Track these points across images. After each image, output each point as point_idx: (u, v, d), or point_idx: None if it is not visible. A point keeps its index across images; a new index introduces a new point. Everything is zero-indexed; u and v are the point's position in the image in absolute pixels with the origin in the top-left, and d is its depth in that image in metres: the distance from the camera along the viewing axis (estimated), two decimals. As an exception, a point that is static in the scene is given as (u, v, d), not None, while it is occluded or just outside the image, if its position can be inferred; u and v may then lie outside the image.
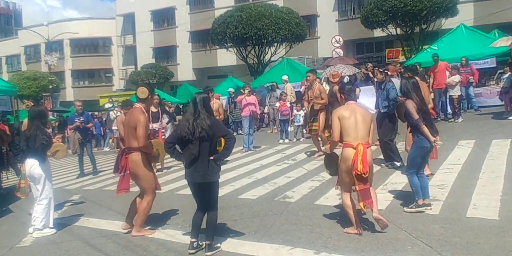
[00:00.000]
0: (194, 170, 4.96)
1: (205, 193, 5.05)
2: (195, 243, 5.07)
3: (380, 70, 9.81)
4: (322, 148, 10.28)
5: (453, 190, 6.47)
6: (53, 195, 6.63)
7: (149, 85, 6.10)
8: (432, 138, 5.59)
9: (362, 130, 5.13)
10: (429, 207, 5.64)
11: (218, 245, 5.12)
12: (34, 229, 6.49)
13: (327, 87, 11.69)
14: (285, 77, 17.84)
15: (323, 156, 8.74)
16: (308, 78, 10.52)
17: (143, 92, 5.79)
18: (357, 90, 10.24)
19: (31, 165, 6.43)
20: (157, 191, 6.12)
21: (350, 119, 5.14)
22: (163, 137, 10.60)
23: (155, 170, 6.52)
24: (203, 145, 4.91)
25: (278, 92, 16.75)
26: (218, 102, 11.96)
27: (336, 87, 11.08)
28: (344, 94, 5.62)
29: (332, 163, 5.49)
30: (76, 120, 11.56)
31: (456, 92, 13.12)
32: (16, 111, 13.58)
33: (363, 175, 4.96)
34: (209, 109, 5.08)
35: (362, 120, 5.17)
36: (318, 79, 10.72)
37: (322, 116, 10.11)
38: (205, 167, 4.91)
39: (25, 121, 6.95)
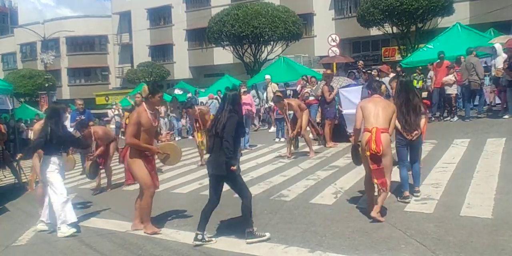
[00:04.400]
0: (209, 162, 5.31)
1: (215, 184, 5.36)
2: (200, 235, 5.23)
3: (364, 70, 9.97)
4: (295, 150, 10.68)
5: (447, 189, 6.50)
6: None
7: (153, 84, 6.03)
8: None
9: (381, 118, 5.57)
10: (407, 200, 6.06)
11: (265, 233, 5.21)
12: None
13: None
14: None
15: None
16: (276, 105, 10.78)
17: (144, 91, 5.85)
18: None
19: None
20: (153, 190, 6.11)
21: (371, 109, 5.62)
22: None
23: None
24: (216, 140, 5.19)
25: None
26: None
27: (326, 88, 11.15)
28: (371, 89, 6.07)
29: (355, 153, 5.97)
30: (77, 118, 11.51)
31: (453, 91, 13.16)
32: (12, 109, 13.54)
33: (377, 154, 5.39)
34: (236, 106, 5.27)
35: (382, 111, 5.61)
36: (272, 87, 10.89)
37: (305, 117, 10.29)
38: (217, 160, 5.17)
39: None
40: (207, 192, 7.98)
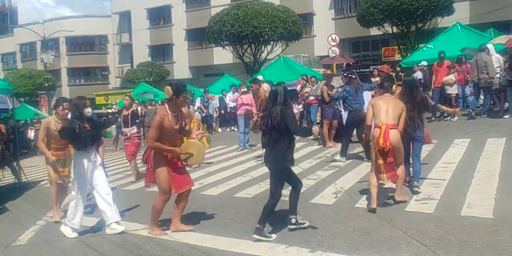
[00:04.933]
0: (268, 156, 5.38)
1: (270, 177, 5.44)
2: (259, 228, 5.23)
3: (345, 74, 10.13)
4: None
5: (447, 188, 6.49)
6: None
7: (178, 85, 5.60)
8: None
9: (391, 115, 5.89)
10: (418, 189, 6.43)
11: (272, 235, 5.25)
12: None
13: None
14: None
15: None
16: (251, 89, 10.65)
17: (167, 92, 5.52)
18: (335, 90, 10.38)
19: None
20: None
21: (381, 107, 5.94)
22: (135, 141, 10.17)
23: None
24: (273, 134, 5.25)
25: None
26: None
27: (325, 88, 11.13)
28: (382, 88, 6.38)
29: (368, 148, 6.44)
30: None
31: (453, 91, 13.15)
32: (11, 109, 13.52)
33: (384, 150, 5.70)
34: (286, 100, 5.33)
35: (392, 108, 5.94)
36: (263, 87, 10.36)
37: None
38: (276, 153, 5.24)
39: None
40: (207, 192, 8.04)
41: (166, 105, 5.61)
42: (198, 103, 19.68)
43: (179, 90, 5.51)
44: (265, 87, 14.80)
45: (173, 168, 5.63)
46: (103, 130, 7.38)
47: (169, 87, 5.51)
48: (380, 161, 5.77)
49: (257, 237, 5.15)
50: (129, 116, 10.19)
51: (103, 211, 6.13)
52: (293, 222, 5.39)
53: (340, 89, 10.36)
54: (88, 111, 6.30)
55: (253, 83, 10.83)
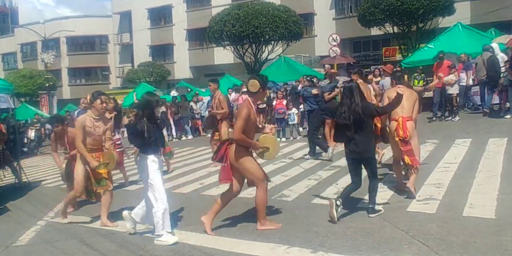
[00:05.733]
0: (352, 146, 5.66)
1: (365, 166, 5.75)
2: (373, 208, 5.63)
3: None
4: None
5: (449, 189, 6.47)
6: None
7: (262, 77, 5.58)
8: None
9: (405, 107, 6.30)
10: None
11: (380, 208, 5.68)
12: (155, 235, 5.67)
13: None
14: None
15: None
16: (209, 87, 10.49)
17: (253, 85, 5.44)
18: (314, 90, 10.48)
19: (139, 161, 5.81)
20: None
21: None
22: (118, 150, 8.90)
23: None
24: (360, 127, 5.58)
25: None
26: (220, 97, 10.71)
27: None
28: (395, 79, 6.80)
29: (384, 133, 6.66)
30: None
31: (454, 91, 13.14)
32: (12, 109, 13.51)
33: (405, 139, 6.24)
34: (362, 95, 5.71)
35: (406, 100, 6.24)
36: (219, 91, 10.35)
37: (223, 126, 9.97)
38: (361, 143, 5.58)
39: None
40: (207, 192, 8.03)
41: (250, 98, 5.53)
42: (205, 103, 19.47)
43: (265, 83, 5.57)
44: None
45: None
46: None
47: (255, 80, 5.46)
48: (403, 148, 6.31)
49: (372, 215, 5.57)
50: (113, 120, 8.82)
51: (141, 211, 5.86)
52: (371, 211, 5.73)
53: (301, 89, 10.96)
54: (162, 110, 5.98)
55: (211, 83, 10.42)
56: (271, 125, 6.23)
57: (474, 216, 5.25)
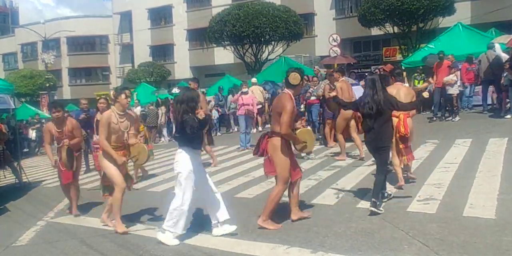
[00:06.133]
0: (372, 135, 5.95)
1: (378, 154, 6.02)
2: (375, 202, 5.67)
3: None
4: None
5: (450, 189, 6.47)
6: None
7: (301, 70, 5.65)
8: None
9: None
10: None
11: (381, 209, 5.72)
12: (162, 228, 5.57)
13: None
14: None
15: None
16: (189, 87, 10.32)
17: (295, 78, 5.50)
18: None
19: (176, 157, 5.57)
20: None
21: (395, 96, 6.25)
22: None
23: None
24: (380, 118, 5.84)
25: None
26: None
27: (327, 87, 11.10)
28: (394, 76, 7.15)
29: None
30: (82, 115, 11.36)
31: (454, 91, 13.13)
32: (13, 109, 13.52)
33: (406, 136, 6.59)
34: (384, 87, 5.98)
35: (404, 96, 6.64)
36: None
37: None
38: (382, 133, 5.88)
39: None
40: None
41: (290, 91, 5.54)
42: (213, 101, 19.46)
43: (303, 77, 5.69)
44: (256, 89, 14.82)
45: (291, 155, 5.66)
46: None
47: (296, 73, 5.54)
48: (401, 146, 6.64)
49: (373, 209, 5.61)
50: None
51: (214, 210, 5.65)
52: (385, 195, 6.14)
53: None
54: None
55: (192, 82, 10.31)
56: (300, 119, 6.27)
57: (475, 216, 5.24)
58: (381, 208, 5.71)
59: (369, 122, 5.90)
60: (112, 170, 6.07)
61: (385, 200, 6.08)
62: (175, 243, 5.35)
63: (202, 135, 5.69)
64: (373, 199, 5.69)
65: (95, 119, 8.65)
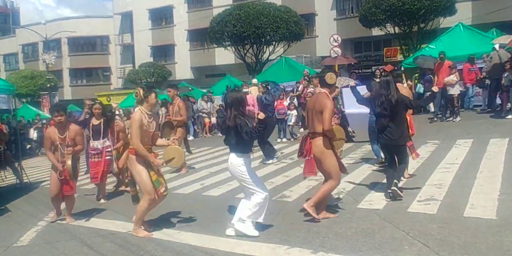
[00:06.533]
0: (387, 134, 6.30)
1: (396, 153, 6.45)
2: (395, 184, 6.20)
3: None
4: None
5: (450, 189, 6.46)
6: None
7: (335, 71, 6.07)
8: None
9: None
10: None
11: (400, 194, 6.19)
12: (239, 219, 5.49)
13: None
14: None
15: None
16: (168, 93, 10.19)
17: (331, 77, 5.80)
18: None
19: (233, 161, 5.47)
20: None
21: None
22: (107, 157, 8.24)
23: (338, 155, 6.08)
24: (395, 117, 6.22)
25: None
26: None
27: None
28: (393, 77, 7.10)
29: None
30: (87, 116, 11.36)
31: (455, 91, 13.12)
32: (13, 109, 13.54)
33: (412, 135, 7.07)
34: (397, 88, 6.36)
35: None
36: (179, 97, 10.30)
37: (179, 133, 9.67)
38: (397, 132, 6.26)
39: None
40: (208, 193, 8.03)
41: (327, 90, 5.82)
42: (219, 100, 19.33)
43: (337, 77, 6.16)
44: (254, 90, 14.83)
45: (335, 153, 5.87)
46: None
47: (332, 74, 5.85)
48: (408, 144, 6.82)
49: (394, 188, 6.15)
50: (102, 126, 8.31)
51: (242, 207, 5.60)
52: (398, 186, 6.33)
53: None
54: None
55: (171, 89, 10.14)
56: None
57: (475, 216, 5.24)
58: (400, 193, 6.18)
59: (384, 122, 6.27)
60: (144, 177, 5.70)
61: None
62: (255, 234, 5.36)
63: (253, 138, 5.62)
64: (395, 181, 6.22)
65: (91, 123, 8.39)
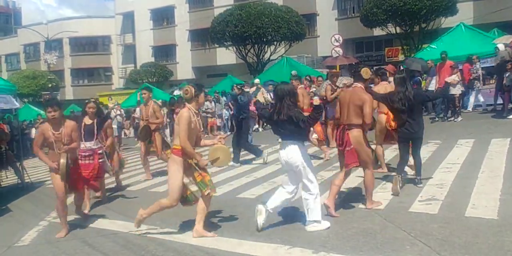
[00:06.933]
0: (408, 128, 6.68)
1: (413, 145, 6.85)
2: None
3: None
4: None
5: (452, 189, 6.46)
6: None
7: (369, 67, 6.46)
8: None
9: None
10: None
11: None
12: (308, 221, 5.44)
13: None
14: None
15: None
16: (143, 96, 9.94)
17: (367, 72, 6.07)
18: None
19: (290, 152, 5.39)
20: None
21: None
22: (100, 160, 7.65)
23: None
24: (414, 112, 6.65)
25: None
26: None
27: (329, 87, 11.10)
28: (379, 76, 7.77)
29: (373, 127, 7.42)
30: None
31: (457, 91, 13.11)
32: (15, 109, 13.55)
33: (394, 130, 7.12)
34: (410, 85, 6.77)
35: None
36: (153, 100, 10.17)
37: (157, 137, 9.69)
38: (416, 126, 6.67)
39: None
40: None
41: (362, 84, 6.07)
42: (225, 100, 19.28)
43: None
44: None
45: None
46: None
47: (368, 69, 6.17)
48: (393, 141, 7.46)
49: (420, 185, 6.71)
50: (94, 126, 7.77)
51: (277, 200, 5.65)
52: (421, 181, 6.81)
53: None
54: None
55: (145, 90, 9.92)
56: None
57: (477, 216, 5.23)
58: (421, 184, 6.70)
59: (404, 117, 6.65)
60: (177, 182, 5.51)
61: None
62: (327, 225, 5.41)
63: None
64: (417, 177, 6.82)
65: (83, 123, 7.78)
